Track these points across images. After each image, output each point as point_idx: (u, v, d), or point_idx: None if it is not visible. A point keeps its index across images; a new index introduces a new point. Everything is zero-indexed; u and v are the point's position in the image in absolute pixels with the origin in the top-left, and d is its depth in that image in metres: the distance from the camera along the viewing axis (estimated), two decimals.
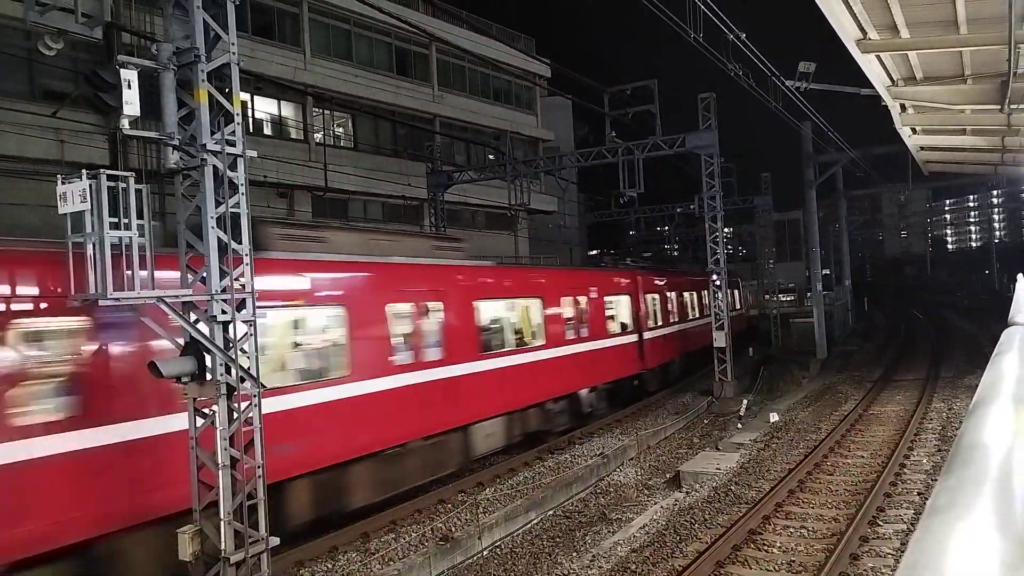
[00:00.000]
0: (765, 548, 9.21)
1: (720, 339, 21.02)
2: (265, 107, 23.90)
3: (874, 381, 22.18)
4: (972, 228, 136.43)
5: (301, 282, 9.99)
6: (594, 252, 45.92)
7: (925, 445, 13.78)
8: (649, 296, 21.59)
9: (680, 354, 23.97)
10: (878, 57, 11.02)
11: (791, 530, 9.77)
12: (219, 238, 7.04)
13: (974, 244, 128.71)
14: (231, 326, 7.10)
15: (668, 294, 23.52)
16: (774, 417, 17.16)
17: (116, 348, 7.72)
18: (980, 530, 0.73)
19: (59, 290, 7.00)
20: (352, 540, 10.19)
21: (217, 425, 6.96)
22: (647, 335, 20.85)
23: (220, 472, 6.88)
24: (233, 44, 7.19)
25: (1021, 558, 0.70)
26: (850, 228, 45.78)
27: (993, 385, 1.48)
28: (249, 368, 7.19)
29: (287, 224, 12.22)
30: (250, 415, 7.18)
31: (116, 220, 6.42)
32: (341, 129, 27.14)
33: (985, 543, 0.71)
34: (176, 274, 7.28)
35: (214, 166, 6.99)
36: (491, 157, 31.08)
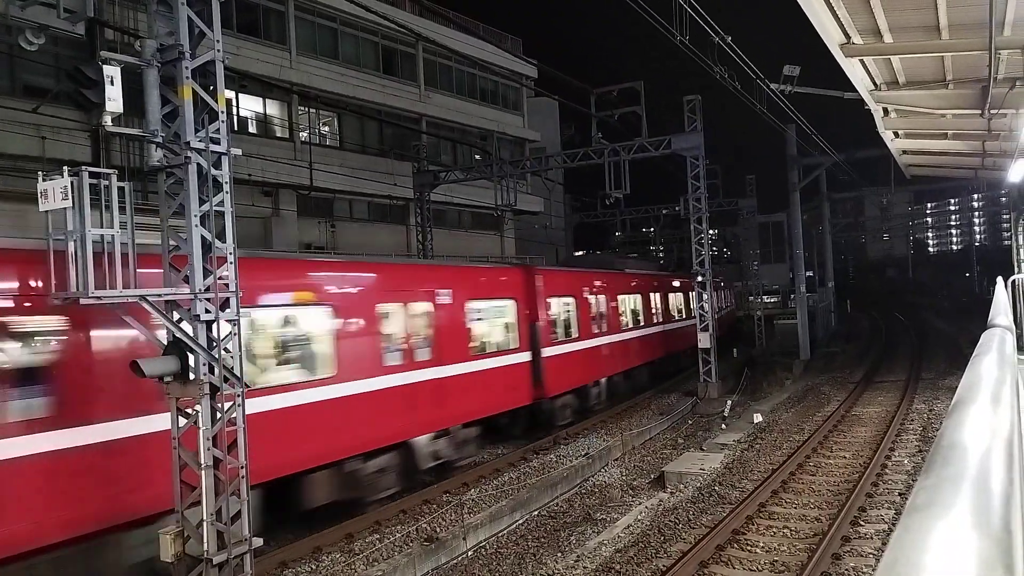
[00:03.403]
0: (748, 548, 9.27)
1: (704, 340, 21.14)
2: (250, 105, 23.75)
3: (856, 382, 22.38)
4: (953, 231, 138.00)
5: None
6: (580, 253, 46.05)
7: (906, 446, 13.92)
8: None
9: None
10: (861, 61, 11.13)
11: (774, 530, 9.83)
12: (203, 237, 6.99)
13: (955, 247, 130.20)
14: (214, 325, 7.05)
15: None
16: (758, 418, 17.27)
17: None
18: (958, 528, 0.74)
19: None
20: (336, 540, 10.15)
21: (200, 425, 6.91)
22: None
23: (203, 472, 6.83)
24: (218, 41, 7.14)
25: (998, 555, 0.71)
26: (833, 231, 46.15)
27: (972, 386, 1.50)
28: (232, 368, 7.14)
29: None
30: (233, 415, 7.13)
31: (98, 217, 6.36)
32: (327, 128, 27.02)
33: (963, 541, 0.72)
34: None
35: (198, 164, 6.94)
36: (477, 157, 31.06)
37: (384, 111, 27.44)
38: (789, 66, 15.82)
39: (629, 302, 22.64)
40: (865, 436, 14.93)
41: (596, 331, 19.31)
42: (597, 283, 20.15)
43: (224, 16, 7.38)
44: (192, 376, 6.91)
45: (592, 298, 19.39)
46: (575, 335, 18.08)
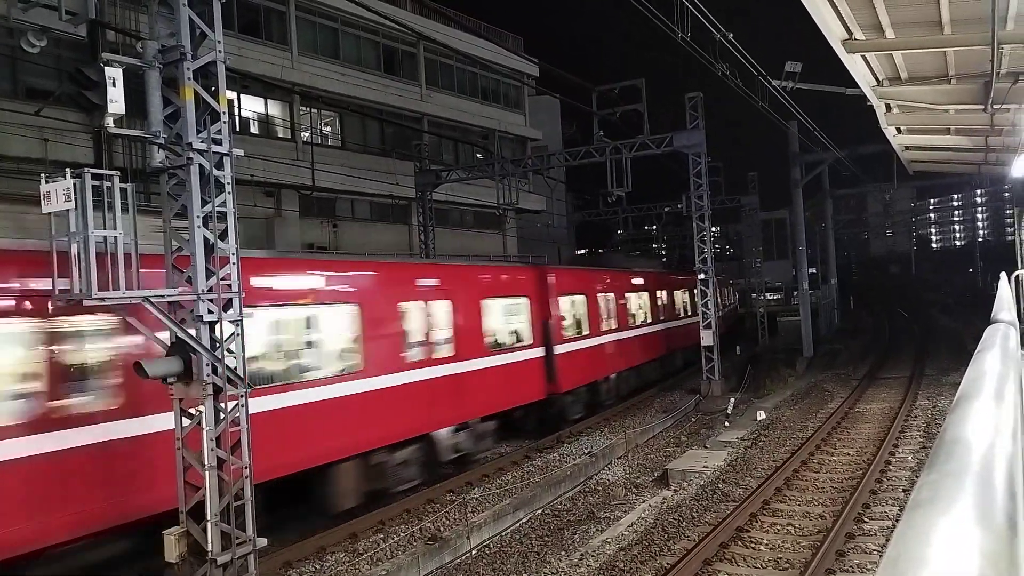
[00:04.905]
0: (752, 545, 9.26)
1: (707, 338, 21.12)
2: (252, 105, 23.76)
3: (860, 379, 22.36)
4: (956, 227, 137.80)
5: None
6: (582, 251, 46.12)
7: (910, 442, 13.90)
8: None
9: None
10: (863, 57, 11.10)
11: (778, 527, 9.83)
12: (205, 237, 7.00)
13: (958, 243, 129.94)
14: (218, 326, 7.06)
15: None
16: (761, 415, 17.26)
17: None
18: (962, 523, 0.74)
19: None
20: (340, 540, 10.16)
21: (204, 426, 6.92)
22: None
23: (206, 473, 6.84)
24: (219, 42, 7.14)
25: (1001, 550, 0.70)
26: (836, 227, 46.05)
27: (976, 381, 1.49)
28: (236, 368, 7.15)
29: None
30: (237, 415, 7.14)
31: (100, 219, 6.37)
32: (328, 128, 27.03)
33: (966, 536, 0.72)
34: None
35: (200, 165, 6.95)
36: (479, 156, 31.05)
37: (385, 111, 27.43)
38: (791, 62, 15.78)
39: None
40: (869, 433, 14.92)
41: None
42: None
43: (225, 17, 7.38)
44: (195, 377, 6.93)
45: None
46: None
